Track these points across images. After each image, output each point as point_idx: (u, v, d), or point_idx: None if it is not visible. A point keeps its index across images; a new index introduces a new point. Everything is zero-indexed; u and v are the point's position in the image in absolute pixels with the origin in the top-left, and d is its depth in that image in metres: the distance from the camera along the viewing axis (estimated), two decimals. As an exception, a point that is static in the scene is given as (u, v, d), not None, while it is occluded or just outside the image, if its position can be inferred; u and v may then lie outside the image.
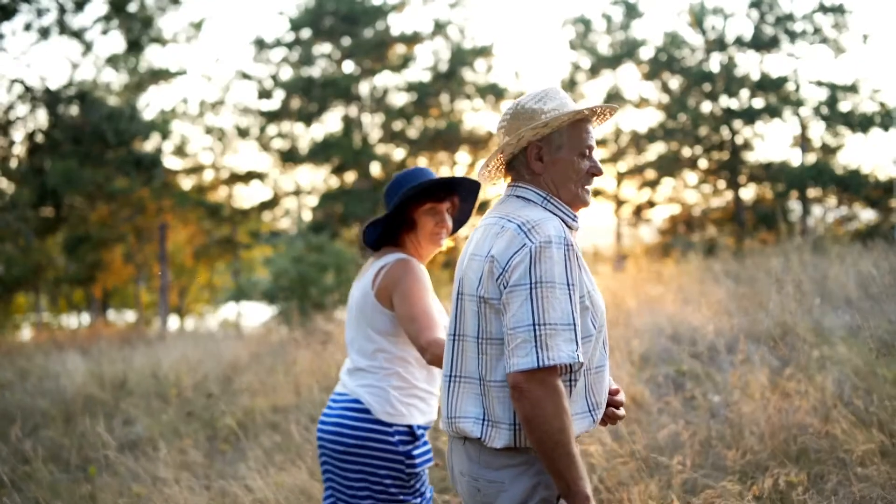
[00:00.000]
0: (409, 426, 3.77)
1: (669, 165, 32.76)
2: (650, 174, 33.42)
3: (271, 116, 33.96)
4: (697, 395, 6.68)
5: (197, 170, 35.63)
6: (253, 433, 7.73)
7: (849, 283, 10.02)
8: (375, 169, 33.45)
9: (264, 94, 33.90)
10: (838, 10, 31.25)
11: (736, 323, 8.62)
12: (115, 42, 47.36)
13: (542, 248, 2.63)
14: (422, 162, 34.45)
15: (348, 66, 33.54)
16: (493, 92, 33.03)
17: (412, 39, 32.82)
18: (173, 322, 36.32)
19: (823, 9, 31.25)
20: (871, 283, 10.41)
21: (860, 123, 30.96)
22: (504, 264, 2.67)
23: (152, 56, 31.88)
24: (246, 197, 45.94)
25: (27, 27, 23.07)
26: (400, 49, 33.35)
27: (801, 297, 9.09)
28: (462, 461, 2.85)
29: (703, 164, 33.50)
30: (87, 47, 26.43)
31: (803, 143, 32.16)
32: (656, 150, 33.14)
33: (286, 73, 34.10)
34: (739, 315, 9.19)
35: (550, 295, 2.59)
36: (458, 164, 34.61)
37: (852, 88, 31.40)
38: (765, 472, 4.97)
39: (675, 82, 32.94)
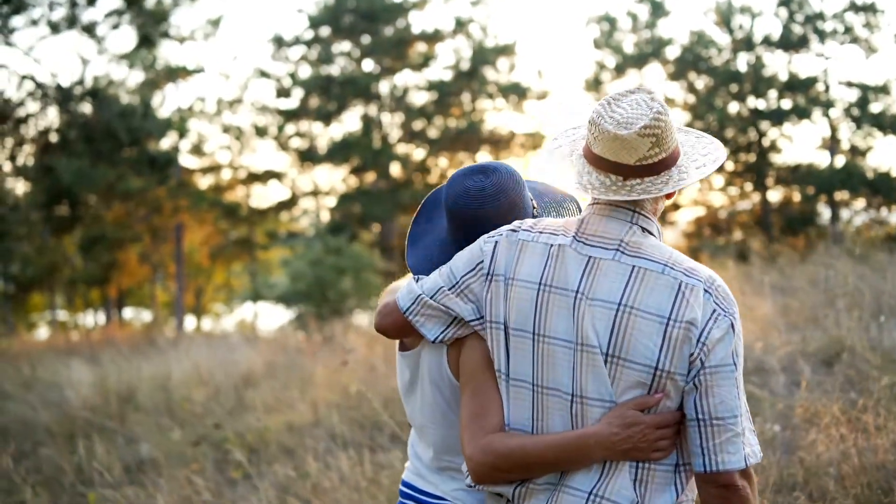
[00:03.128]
0: None
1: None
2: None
3: (289, 115, 33.45)
4: (756, 423, 6.03)
5: (214, 169, 35.15)
6: (266, 459, 7.13)
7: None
8: (395, 169, 32.92)
9: (283, 92, 33.40)
10: (870, 8, 30.48)
11: (787, 339, 8.01)
12: (128, 38, 46.86)
13: (737, 320, 2.23)
14: (442, 163, 33.90)
15: (368, 65, 33.01)
16: (516, 91, 32.42)
17: (433, 37, 32.25)
18: (189, 322, 35.97)
19: (854, 7, 30.48)
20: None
21: (891, 125, 30.25)
22: (703, 337, 2.18)
23: (169, 53, 31.39)
24: (263, 197, 45.47)
25: (34, 22, 22.56)
26: (420, 47, 32.79)
27: (860, 311, 8.48)
28: None
29: (729, 165, 32.78)
30: (99, 43, 25.95)
31: (832, 145, 31.44)
32: (682, 151, 32.48)
33: (305, 72, 33.59)
34: (789, 331, 8.57)
35: (741, 378, 2.24)
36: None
37: (883, 89, 30.64)
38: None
39: (701, 82, 32.26)
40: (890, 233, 30.32)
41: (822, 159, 31.87)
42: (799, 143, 35.04)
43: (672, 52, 32.23)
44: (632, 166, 2.25)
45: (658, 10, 32.38)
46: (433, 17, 37.34)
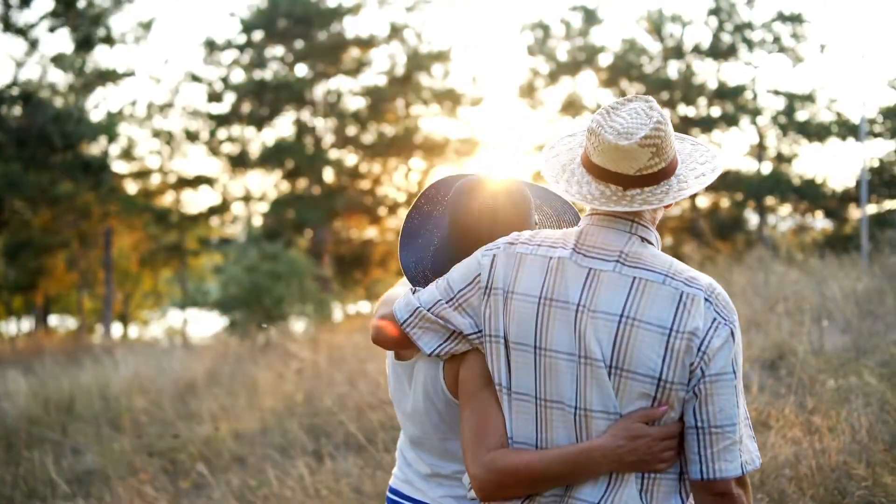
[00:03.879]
0: None
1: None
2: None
3: (221, 120, 33.11)
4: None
5: (144, 174, 34.62)
6: (219, 467, 7.03)
7: (841, 299, 9.56)
8: (328, 175, 32.75)
9: (214, 96, 33.06)
10: (797, 19, 31.18)
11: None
12: (63, 41, 45.94)
13: (737, 328, 2.23)
14: (375, 168, 33.84)
15: (301, 70, 32.82)
16: (450, 97, 32.49)
17: (368, 43, 32.19)
18: (116, 329, 35.36)
19: (782, 18, 31.14)
20: (866, 301, 10.01)
21: (817, 133, 30.94)
22: (703, 346, 2.17)
23: (100, 56, 30.82)
24: (194, 202, 44.83)
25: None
26: (355, 52, 32.68)
27: (800, 315, 8.64)
28: None
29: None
30: (33, 45, 25.40)
31: (760, 152, 32.07)
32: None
33: (237, 76, 33.30)
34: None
35: (741, 386, 2.23)
36: (412, 171, 34.02)
37: (809, 98, 31.36)
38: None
39: (633, 89, 32.64)
40: (816, 238, 31.01)
41: (750, 166, 32.47)
42: (727, 150, 35.56)
43: (605, 60, 32.58)
44: (632, 176, 2.24)
45: (591, 18, 32.71)
46: (368, 23, 37.12)
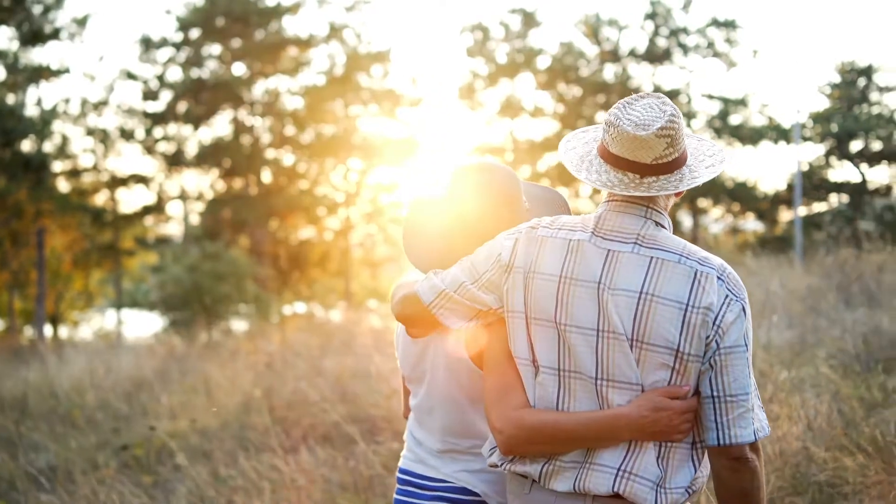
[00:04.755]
0: None
1: (565, 175, 32.83)
2: (545, 184, 33.41)
3: (157, 118, 32.79)
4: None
5: (78, 172, 34.06)
6: (184, 461, 7.01)
7: (785, 296, 9.86)
8: (266, 175, 32.61)
9: (150, 95, 32.74)
10: (730, 25, 31.83)
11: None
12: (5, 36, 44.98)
13: (747, 304, 2.41)
14: (314, 168, 33.75)
15: (239, 69, 32.62)
16: (390, 98, 32.55)
17: (306, 42, 32.12)
18: (47, 330, 34.76)
19: (716, 23, 31.77)
20: (809, 298, 10.32)
21: (750, 137, 31.62)
22: (717, 321, 2.34)
23: (35, 53, 30.27)
24: (129, 202, 44.26)
25: None
26: (293, 52, 32.58)
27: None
28: None
29: (595, 173, 33.67)
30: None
31: (694, 154, 32.65)
32: (552, 160, 33.20)
33: (174, 74, 32.99)
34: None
35: (751, 358, 2.41)
36: (350, 171, 33.97)
37: (742, 102, 32.02)
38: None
39: (571, 92, 33.02)
40: (747, 239, 31.66)
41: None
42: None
43: (543, 62, 32.90)
44: (648, 164, 2.41)
45: (529, 21, 33.02)
46: (307, 22, 37.10)
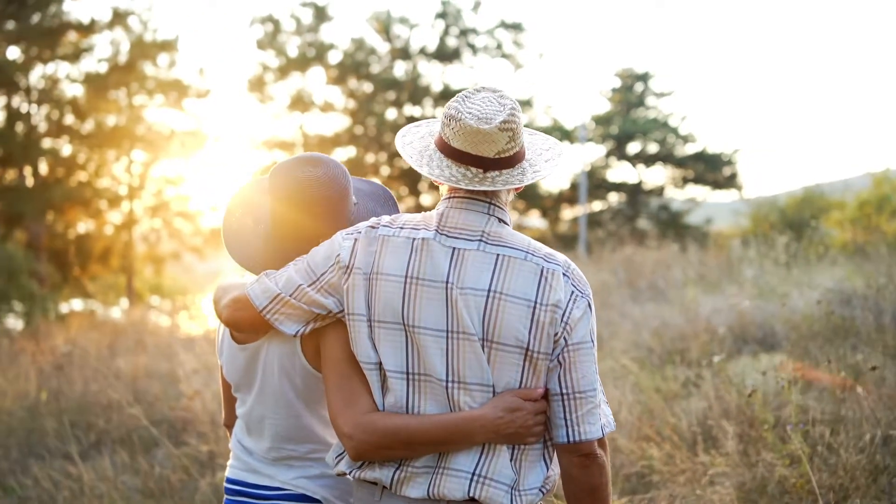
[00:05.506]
0: None
1: (354, 170, 32.84)
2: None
3: (-79, 103, 30.55)
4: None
5: None
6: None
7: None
8: (42, 165, 30.98)
9: (-87, 78, 30.42)
10: (517, 27, 32.67)
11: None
12: None
13: (591, 300, 2.43)
14: (95, 159, 32.32)
15: (13, 52, 30.82)
16: (176, 88, 31.56)
17: (88, 28, 30.65)
18: None
19: (504, 25, 32.53)
20: (600, 292, 10.71)
21: (534, 136, 32.59)
22: (565, 317, 2.33)
23: None
24: None
25: None
26: (73, 37, 31.05)
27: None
28: None
29: (385, 170, 33.88)
30: None
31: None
32: (342, 154, 33.13)
33: (-60, 56, 30.80)
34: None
35: (596, 355, 2.42)
36: (134, 163, 32.72)
37: (528, 103, 32.94)
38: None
39: (362, 88, 33.05)
40: (532, 236, 32.67)
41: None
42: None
43: (334, 57, 32.76)
44: (491, 159, 2.37)
45: (321, 15, 32.80)
46: (89, 7, 35.49)
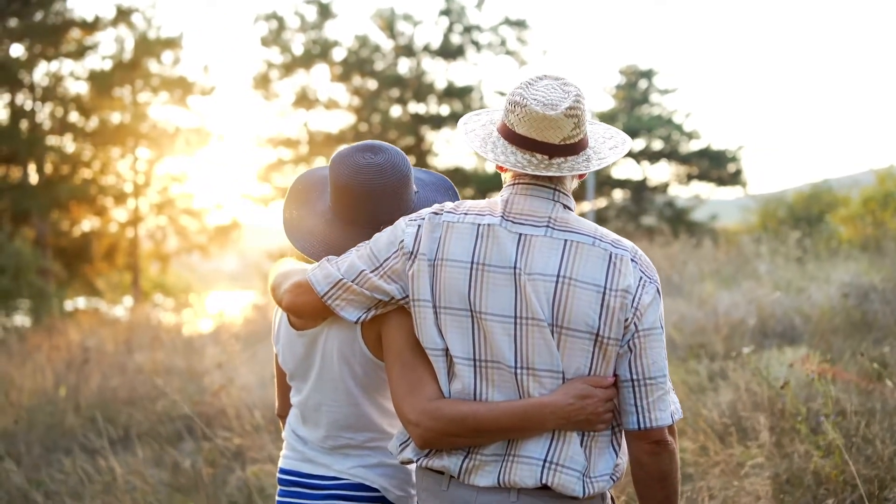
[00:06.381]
0: None
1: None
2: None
3: (-75, 101, 30.53)
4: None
5: None
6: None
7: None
8: (47, 163, 30.97)
9: (-84, 76, 30.41)
10: (521, 24, 32.65)
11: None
12: None
13: (659, 286, 2.42)
14: (99, 158, 32.32)
15: (17, 50, 30.81)
16: (181, 85, 31.55)
17: (92, 25, 30.63)
18: None
19: (508, 22, 32.52)
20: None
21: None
22: (635, 303, 2.32)
23: None
24: None
25: None
26: (77, 34, 31.02)
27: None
28: None
29: (390, 168, 33.88)
30: None
31: (487, 150, 33.37)
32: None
33: (-56, 54, 30.78)
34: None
35: (664, 341, 2.42)
36: (139, 160, 32.73)
37: (532, 100, 32.88)
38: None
39: (366, 85, 33.05)
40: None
41: (478, 164, 33.67)
42: (457, 148, 36.73)
43: (338, 54, 32.75)
44: (557, 145, 2.35)
45: (325, 12, 32.78)
46: (93, 4, 35.49)
